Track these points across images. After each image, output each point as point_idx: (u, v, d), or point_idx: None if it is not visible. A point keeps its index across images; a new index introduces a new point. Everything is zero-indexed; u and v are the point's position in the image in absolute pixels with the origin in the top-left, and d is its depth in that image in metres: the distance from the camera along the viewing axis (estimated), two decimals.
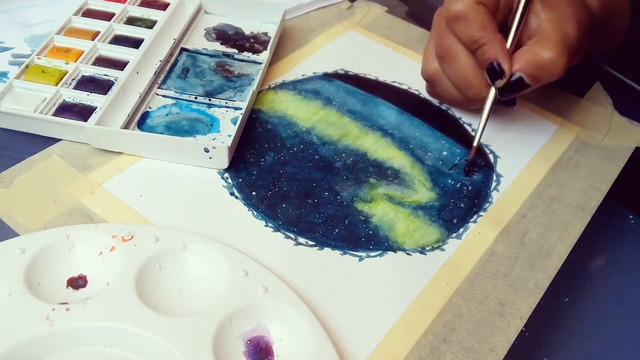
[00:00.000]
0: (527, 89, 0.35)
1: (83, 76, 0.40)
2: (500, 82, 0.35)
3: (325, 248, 0.33)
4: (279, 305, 0.28)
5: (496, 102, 0.37)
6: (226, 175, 0.36)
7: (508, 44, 0.36)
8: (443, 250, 0.33)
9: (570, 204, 0.37)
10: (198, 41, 0.46)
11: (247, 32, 0.47)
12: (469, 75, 0.37)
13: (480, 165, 0.39)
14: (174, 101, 0.40)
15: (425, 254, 0.33)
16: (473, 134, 0.41)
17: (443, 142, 0.40)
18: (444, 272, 0.32)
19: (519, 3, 0.36)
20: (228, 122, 0.39)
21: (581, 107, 0.44)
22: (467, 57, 0.37)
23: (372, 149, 0.39)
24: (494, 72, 0.35)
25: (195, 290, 0.29)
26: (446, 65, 0.38)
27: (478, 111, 0.41)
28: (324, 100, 0.42)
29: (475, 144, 0.37)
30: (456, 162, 0.39)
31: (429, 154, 0.39)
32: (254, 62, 0.44)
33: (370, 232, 0.34)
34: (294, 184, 0.36)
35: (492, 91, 0.37)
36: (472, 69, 0.37)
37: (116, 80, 0.40)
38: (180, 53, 0.44)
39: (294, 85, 0.43)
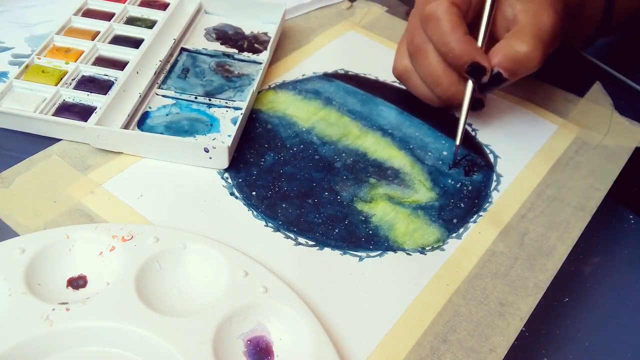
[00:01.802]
0: (506, 83, 0.36)
1: (83, 76, 0.40)
2: (485, 78, 0.36)
3: (325, 248, 0.33)
4: (279, 305, 0.28)
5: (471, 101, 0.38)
6: (226, 175, 0.36)
7: (479, 41, 0.37)
8: (443, 250, 0.33)
9: (570, 204, 0.37)
10: (198, 41, 0.46)
11: (247, 32, 0.47)
12: (437, 73, 0.37)
13: (480, 165, 0.39)
14: (174, 101, 0.40)
15: (425, 254, 0.33)
16: (473, 133, 0.41)
17: (443, 142, 0.40)
18: (444, 272, 0.32)
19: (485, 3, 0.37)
20: (228, 122, 0.39)
21: (581, 107, 0.44)
22: (436, 56, 0.37)
23: (372, 149, 0.39)
24: (475, 71, 0.36)
25: (195, 290, 0.29)
26: (416, 62, 0.38)
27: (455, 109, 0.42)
28: (324, 100, 0.42)
29: (457, 142, 0.38)
30: (455, 160, 0.39)
31: (429, 154, 0.39)
32: (254, 62, 0.44)
33: (370, 232, 0.34)
34: (294, 184, 0.36)
35: (468, 90, 0.37)
36: (441, 67, 0.37)
37: (116, 80, 0.40)
38: (180, 53, 0.44)
39: (294, 85, 0.43)
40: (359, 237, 0.34)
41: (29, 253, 0.29)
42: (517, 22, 0.36)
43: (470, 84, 0.37)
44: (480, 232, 0.34)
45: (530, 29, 0.35)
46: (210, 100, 0.40)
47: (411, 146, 0.40)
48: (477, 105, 0.38)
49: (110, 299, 0.28)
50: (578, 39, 0.45)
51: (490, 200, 0.37)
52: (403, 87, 0.44)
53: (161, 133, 0.37)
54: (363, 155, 0.39)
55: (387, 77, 0.45)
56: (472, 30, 0.37)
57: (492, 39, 0.37)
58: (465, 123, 0.38)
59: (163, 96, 0.40)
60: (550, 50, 0.36)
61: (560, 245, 0.34)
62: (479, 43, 0.37)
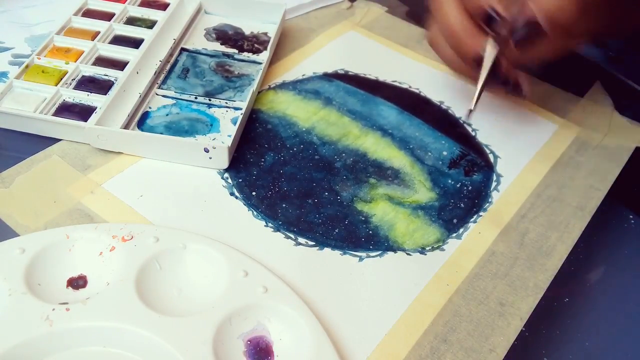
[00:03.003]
0: (542, 36, 0.33)
1: (83, 76, 0.40)
2: (504, 30, 0.34)
3: (325, 248, 0.33)
4: (279, 305, 0.28)
5: (509, 88, 0.36)
6: (226, 175, 0.36)
7: None
8: (443, 250, 0.33)
9: (570, 204, 0.37)
10: (198, 41, 0.46)
11: (247, 32, 0.47)
12: (456, 27, 0.36)
13: (480, 165, 0.39)
14: (174, 101, 0.40)
15: (425, 254, 0.33)
16: (473, 133, 0.41)
17: (443, 142, 0.40)
18: (444, 272, 0.32)
19: None
20: (228, 122, 0.39)
21: (581, 107, 0.44)
22: (454, 9, 0.36)
23: (372, 149, 0.39)
24: (490, 17, 0.34)
25: (195, 290, 0.29)
26: (438, 23, 0.37)
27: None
28: (324, 100, 0.42)
29: (472, 107, 0.36)
30: (455, 159, 0.38)
31: (429, 154, 0.39)
32: (254, 62, 0.44)
33: (370, 232, 0.34)
34: (294, 184, 0.36)
35: (489, 45, 0.35)
36: (459, 22, 0.35)
37: (116, 80, 0.40)
38: (180, 53, 0.44)
39: (294, 85, 0.43)
40: (359, 237, 0.34)
41: (29, 253, 0.29)
42: None
43: (490, 41, 0.35)
44: (480, 232, 0.34)
45: None
46: (210, 100, 0.40)
47: (411, 146, 0.40)
48: (516, 90, 0.37)
49: (110, 299, 0.28)
50: (623, 33, 0.43)
51: (490, 200, 0.37)
52: (403, 86, 0.44)
53: (161, 133, 0.37)
54: (363, 155, 0.39)
55: (387, 77, 0.45)
56: None
57: None
58: (483, 85, 0.35)
59: (163, 96, 0.40)
60: (587, 15, 0.33)
61: (560, 245, 0.34)
62: None
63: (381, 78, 0.45)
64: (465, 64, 0.38)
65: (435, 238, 0.34)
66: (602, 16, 0.35)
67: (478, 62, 0.36)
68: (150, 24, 0.45)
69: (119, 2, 0.47)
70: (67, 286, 0.29)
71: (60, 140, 0.37)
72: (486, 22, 0.34)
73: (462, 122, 0.42)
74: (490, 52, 0.35)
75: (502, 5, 0.34)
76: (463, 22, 0.36)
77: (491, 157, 0.40)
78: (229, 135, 0.37)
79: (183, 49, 0.44)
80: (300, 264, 0.32)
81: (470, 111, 0.37)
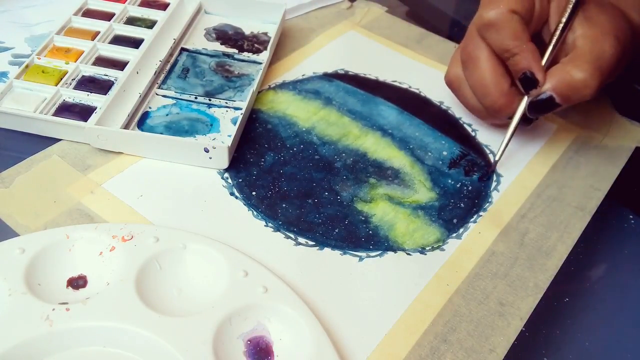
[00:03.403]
0: (557, 108, 0.35)
1: (83, 76, 0.40)
2: (535, 92, 0.35)
3: (325, 248, 0.33)
4: (279, 305, 0.28)
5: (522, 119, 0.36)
6: (226, 175, 0.36)
7: (544, 59, 0.35)
8: (443, 250, 0.33)
9: (570, 204, 0.37)
10: (198, 41, 0.46)
11: (247, 32, 0.47)
12: (488, 81, 0.36)
13: (481, 165, 0.39)
14: (174, 101, 0.40)
15: (425, 254, 0.33)
16: (473, 134, 0.41)
17: (443, 142, 0.40)
18: (444, 272, 0.32)
19: (563, 14, 0.35)
20: (228, 122, 0.39)
21: (581, 107, 0.44)
22: (488, 63, 0.36)
23: (372, 149, 0.39)
24: (527, 81, 0.35)
25: (195, 290, 0.29)
26: (467, 70, 0.38)
27: (499, 127, 0.41)
28: (324, 100, 0.42)
29: (498, 156, 0.37)
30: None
31: (429, 154, 0.39)
32: (254, 62, 0.44)
33: (370, 232, 0.34)
34: (294, 184, 0.36)
35: (522, 104, 0.36)
36: (491, 76, 0.36)
37: (116, 80, 0.40)
38: (180, 53, 0.44)
39: (294, 85, 0.43)
40: (359, 237, 0.34)
41: (29, 253, 0.29)
42: (577, 47, 0.34)
43: (525, 98, 0.36)
44: (480, 232, 0.34)
45: (589, 56, 0.33)
46: (210, 100, 0.40)
47: (411, 146, 0.40)
48: (527, 121, 0.37)
49: (110, 299, 0.27)
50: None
51: (490, 200, 0.37)
52: (403, 86, 0.44)
53: (161, 133, 0.37)
54: (363, 155, 0.39)
55: (387, 77, 0.45)
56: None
57: (550, 64, 0.36)
58: (510, 139, 0.37)
59: (163, 96, 0.40)
60: (607, 79, 0.35)
61: (560, 245, 0.34)
62: (544, 60, 0.35)
63: (381, 78, 0.45)
64: (490, 115, 0.38)
65: (435, 238, 0.34)
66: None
67: (507, 116, 0.37)
68: (150, 24, 0.45)
69: (119, 2, 0.47)
70: (67, 286, 0.29)
71: (60, 140, 0.37)
72: (523, 84, 0.35)
73: (462, 122, 0.42)
74: (521, 108, 0.36)
75: (540, 70, 0.34)
76: (498, 79, 0.36)
77: (491, 157, 0.40)
78: (229, 135, 0.37)
79: (183, 49, 0.44)
80: (300, 264, 0.32)
81: (496, 162, 0.38)
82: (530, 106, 0.36)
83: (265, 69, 0.43)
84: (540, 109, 0.35)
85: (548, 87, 0.34)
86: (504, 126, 0.38)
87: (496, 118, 0.39)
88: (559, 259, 0.33)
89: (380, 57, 0.47)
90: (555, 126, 0.42)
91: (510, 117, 0.37)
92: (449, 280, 0.32)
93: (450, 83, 0.40)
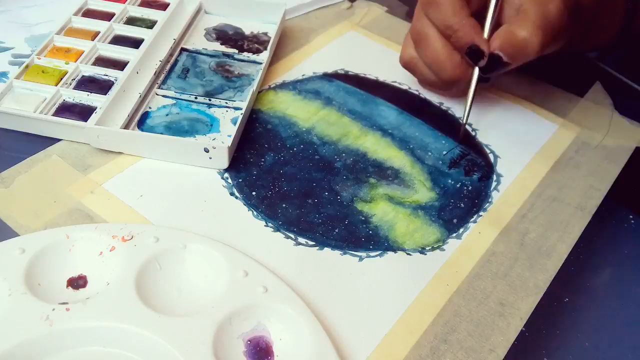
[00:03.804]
0: (507, 67, 0.37)
1: (83, 76, 0.40)
2: (482, 62, 0.37)
3: (325, 248, 0.33)
4: (279, 305, 0.28)
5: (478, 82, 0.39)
6: (226, 175, 0.36)
7: (486, 29, 0.37)
8: (443, 250, 0.33)
9: (570, 204, 0.37)
10: (198, 41, 0.46)
11: (247, 32, 0.47)
12: (440, 57, 0.38)
13: (481, 165, 0.39)
14: (174, 101, 0.40)
15: (425, 254, 0.33)
16: (473, 133, 0.41)
17: (443, 142, 0.40)
18: (444, 272, 0.32)
19: None
20: (228, 122, 0.39)
21: (581, 107, 0.44)
22: (438, 40, 0.38)
23: (372, 149, 0.39)
24: (473, 54, 0.37)
25: (195, 290, 0.29)
26: (419, 49, 0.39)
27: (461, 97, 0.42)
28: (324, 100, 0.42)
29: (464, 121, 0.39)
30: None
31: (429, 154, 0.39)
32: (254, 62, 0.44)
33: (370, 232, 0.34)
34: (294, 184, 0.36)
35: (476, 71, 0.38)
36: (444, 51, 0.38)
37: (116, 80, 0.40)
38: (180, 53, 0.44)
39: (294, 85, 0.43)
40: (359, 237, 0.34)
41: (29, 253, 0.29)
42: (522, 9, 0.36)
43: (476, 70, 0.38)
44: (480, 232, 0.34)
45: (533, 16, 0.35)
46: (210, 100, 0.40)
47: (411, 146, 0.40)
48: (484, 80, 0.39)
49: (110, 299, 0.27)
50: (594, 46, 0.45)
51: (490, 200, 0.37)
52: (403, 87, 0.44)
53: (161, 133, 0.37)
54: (363, 155, 0.39)
55: (387, 77, 0.45)
56: (479, 20, 0.37)
57: (495, 27, 0.38)
58: (471, 104, 0.39)
59: (163, 96, 0.40)
60: (552, 41, 0.36)
61: (560, 245, 0.34)
62: (486, 31, 0.37)
63: (381, 78, 0.45)
64: (449, 86, 0.40)
65: (435, 238, 0.34)
66: (570, 35, 0.38)
67: (464, 86, 0.39)
68: (150, 24, 0.45)
69: (119, 2, 0.47)
70: (67, 286, 0.29)
71: (60, 140, 0.37)
72: (470, 58, 0.37)
73: (462, 122, 0.42)
74: (475, 77, 0.38)
75: (483, 42, 0.37)
76: (449, 52, 0.38)
77: (491, 157, 0.40)
78: (229, 135, 0.37)
79: (183, 49, 0.44)
80: (300, 264, 0.32)
81: (464, 128, 0.40)
82: (481, 69, 0.38)
83: (265, 69, 0.43)
84: (491, 69, 0.37)
85: (495, 47, 0.36)
86: (467, 96, 0.40)
87: (455, 89, 0.40)
88: (559, 259, 0.33)
89: (380, 57, 0.47)
90: (555, 126, 0.42)
91: (469, 85, 0.39)
92: (448, 281, 0.32)
93: (406, 64, 0.42)
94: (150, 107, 0.39)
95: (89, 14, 0.46)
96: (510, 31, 0.36)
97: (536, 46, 0.35)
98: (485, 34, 0.37)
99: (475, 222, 0.35)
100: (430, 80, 0.41)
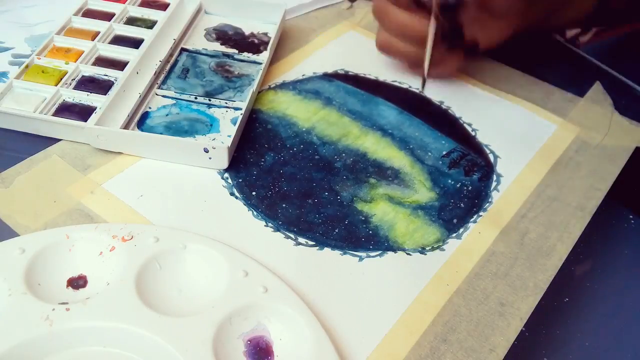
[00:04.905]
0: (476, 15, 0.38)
1: (83, 76, 0.40)
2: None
3: (325, 248, 0.33)
4: (279, 305, 0.28)
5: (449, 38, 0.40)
6: (226, 175, 0.36)
7: None
8: (443, 250, 0.33)
9: (570, 204, 0.37)
10: (198, 41, 0.46)
11: (247, 32, 0.47)
12: (406, 21, 0.39)
13: (481, 165, 0.39)
14: (174, 101, 0.40)
15: (425, 254, 0.33)
16: (473, 133, 0.41)
17: (443, 142, 0.40)
18: (444, 272, 0.32)
19: None
20: (228, 122, 0.39)
21: (581, 107, 0.44)
22: (396, 9, 0.39)
23: (372, 149, 0.39)
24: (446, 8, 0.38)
25: (195, 290, 0.29)
26: (385, 25, 0.41)
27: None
28: (324, 100, 0.42)
29: (425, 72, 0.41)
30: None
31: (429, 154, 0.39)
32: (254, 62, 0.44)
33: (370, 232, 0.34)
34: (294, 184, 0.36)
35: (432, 21, 0.39)
36: (406, 15, 0.39)
37: (116, 80, 0.40)
38: (180, 53, 0.44)
39: (294, 85, 0.43)
40: (359, 237, 0.34)
41: (29, 253, 0.29)
42: None
43: (432, 20, 0.38)
44: (480, 232, 0.34)
45: None
46: (210, 100, 0.40)
47: (411, 146, 0.40)
48: (471, 51, 0.41)
49: (110, 299, 0.28)
50: (569, 21, 0.46)
51: (490, 200, 0.37)
52: (403, 86, 0.44)
53: (161, 133, 0.37)
54: (363, 155, 0.39)
55: (387, 77, 0.45)
56: None
57: None
58: (430, 52, 0.40)
59: (163, 96, 0.40)
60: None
61: (560, 245, 0.34)
62: None
63: (381, 78, 0.45)
64: (421, 47, 0.40)
65: (435, 238, 0.34)
66: None
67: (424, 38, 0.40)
68: (150, 24, 0.45)
69: (119, 2, 0.47)
70: (67, 286, 0.29)
71: (60, 140, 0.37)
72: (415, 4, 0.39)
73: (461, 121, 0.42)
74: (432, 25, 0.39)
75: None
76: (411, 14, 0.39)
77: (491, 157, 0.40)
78: (229, 135, 0.37)
79: (183, 49, 0.44)
80: (300, 264, 0.32)
81: (424, 82, 0.42)
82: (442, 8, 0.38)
83: (265, 69, 0.43)
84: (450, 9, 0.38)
85: None
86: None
87: (437, 64, 0.41)
88: (559, 259, 0.33)
89: (380, 57, 0.47)
90: (555, 126, 0.42)
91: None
92: (449, 280, 0.32)
93: (382, 47, 0.43)
94: (150, 107, 0.39)
95: (89, 14, 0.46)
96: None
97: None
98: None
99: (475, 222, 0.35)
100: (411, 55, 0.41)
